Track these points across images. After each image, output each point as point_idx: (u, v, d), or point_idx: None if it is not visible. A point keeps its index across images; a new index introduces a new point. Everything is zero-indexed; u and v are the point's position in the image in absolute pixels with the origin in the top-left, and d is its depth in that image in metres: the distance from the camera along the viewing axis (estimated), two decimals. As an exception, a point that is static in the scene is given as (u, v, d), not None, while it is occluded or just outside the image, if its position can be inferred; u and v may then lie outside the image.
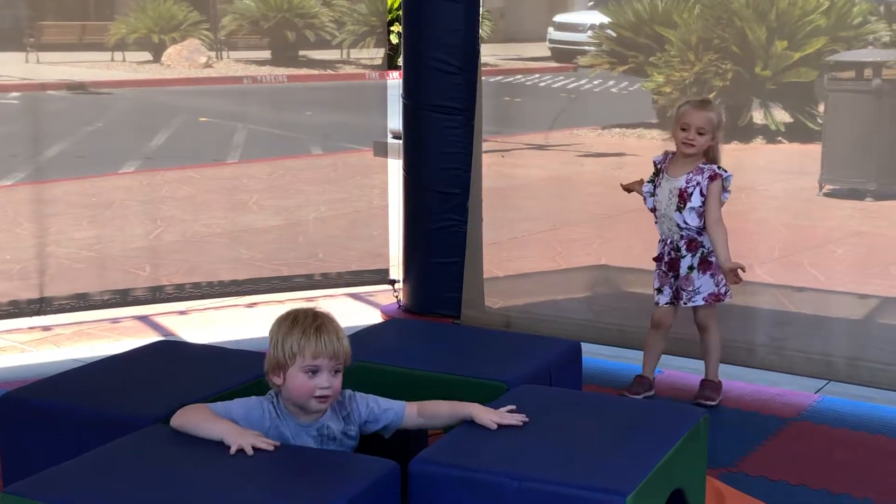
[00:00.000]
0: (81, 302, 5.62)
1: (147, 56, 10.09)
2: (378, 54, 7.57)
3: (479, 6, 5.58)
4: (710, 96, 5.45)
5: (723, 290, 4.47)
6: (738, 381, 4.81)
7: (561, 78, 7.62)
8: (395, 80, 7.04)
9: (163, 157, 7.12)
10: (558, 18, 7.73)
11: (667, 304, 4.51)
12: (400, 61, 5.84)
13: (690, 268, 4.44)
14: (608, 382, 4.71)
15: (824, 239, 5.50)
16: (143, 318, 5.63)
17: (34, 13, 7.53)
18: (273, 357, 2.75)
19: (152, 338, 4.78)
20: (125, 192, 6.90)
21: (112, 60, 9.57)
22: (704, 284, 4.44)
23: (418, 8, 5.59)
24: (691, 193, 4.37)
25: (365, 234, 6.63)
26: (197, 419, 2.71)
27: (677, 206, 4.41)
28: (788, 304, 5.30)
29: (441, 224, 5.65)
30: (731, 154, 5.97)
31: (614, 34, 6.43)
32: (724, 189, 4.44)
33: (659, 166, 4.54)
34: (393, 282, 6.13)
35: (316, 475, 2.55)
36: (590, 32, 6.69)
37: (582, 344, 3.80)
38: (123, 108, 8.68)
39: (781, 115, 5.77)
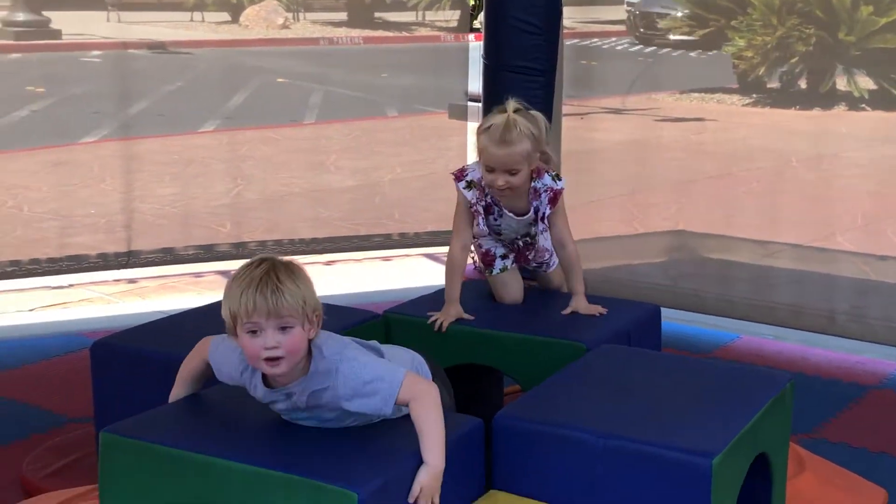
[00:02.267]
0: (166, 256, 5.71)
1: (226, 17, 10.16)
2: (454, 16, 7.54)
3: (562, -33, 5.53)
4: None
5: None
6: (818, 348, 4.75)
7: (638, 41, 7.53)
8: (474, 42, 7.02)
9: (242, 116, 7.17)
10: (638, -18, 7.62)
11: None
12: (477, 23, 5.81)
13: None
14: (686, 347, 4.68)
15: (910, 207, 5.42)
16: (226, 273, 5.69)
17: (116, -27, 7.61)
18: (225, 320, 2.43)
19: (234, 292, 4.84)
20: (206, 150, 6.98)
21: (191, 21, 9.66)
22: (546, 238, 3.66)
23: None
24: (543, 212, 3.55)
25: (441, 196, 6.63)
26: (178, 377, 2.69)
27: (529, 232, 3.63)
28: (871, 272, 5.22)
29: (519, 186, 5.63)
30: (812, 121, 5.88)
31: (695, -3, 6.34)
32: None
33: (482, 203, 3.55)
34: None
35: (398, 433, 2.54)
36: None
37: (661, 309, 3.78)
38: (203, 68, 8.75)
39: (865, 82, 5.65)
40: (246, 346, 2.39)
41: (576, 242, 3.59)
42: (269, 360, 2.37)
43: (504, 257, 3.65)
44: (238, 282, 2.37)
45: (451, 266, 3.52)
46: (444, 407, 2.54)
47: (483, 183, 3.45)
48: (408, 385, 2.45)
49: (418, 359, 2.74)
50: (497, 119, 3.33)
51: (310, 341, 2.43)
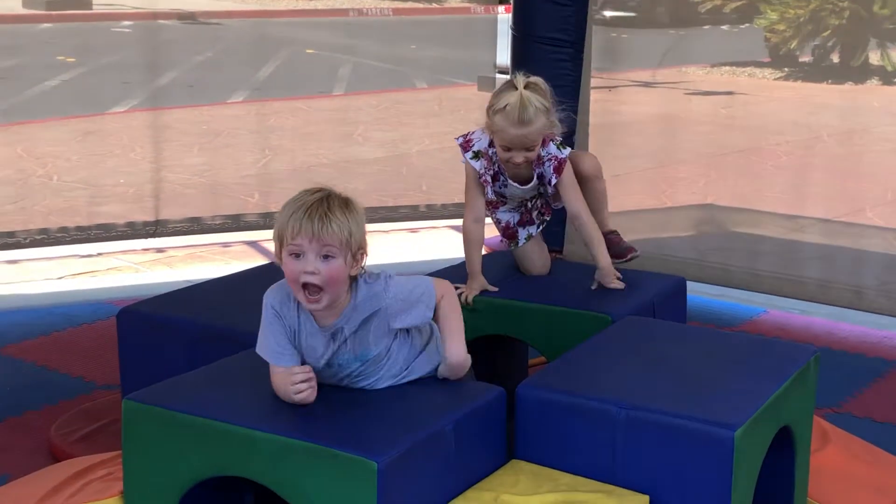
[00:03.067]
0: (194, 226, 5.73)
1: (256, -13, 10.19)
2: (485, -12, 7.51)
3: (592, -62, 5.49)
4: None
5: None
6: (845, 323, 4.72)
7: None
8: (503, 14, 6.98)
9: (271, 87, 7.19)
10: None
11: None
12: (507, -6, 5.79)
13: (528, 238, 3.67)
14: (712, 320, 4.67)
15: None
16: (253, 244, 5.72)
17: (147, -58, 7.63)
18: (274, 241, 2.46)
19: (261, 262, 4.86)
20: (235, 120, 7.00)
21: (222, -9, 9.69)
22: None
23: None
24: (549, 180, 3.47)
25: (468, 168, 6.64)
26: (282, 388, 2.50)
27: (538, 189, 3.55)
28: (902, 248, 5.19)
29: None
30: (844, 95, 5.83)
31: (728, -30, 6.28)
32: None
33: (490, 172, 3.48)
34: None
35: (422, 399, 2.57)
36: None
37: (686, 282, 3.77)
38: (232, 39, 8.78)
39: (899, 56, 5.60)
40: (287, 267, 2.40)
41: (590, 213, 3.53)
42: (308, 288, 2.38)
43: (522, 225, 3.62)
44: (291, 204, 2.40)
45: (469, 239, 3.51)
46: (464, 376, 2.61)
47: (496, 159, 3.42)
48: (437, 286, 2.58)
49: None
50: (511, 98, 3.29)
51: (351, 278, 2.46)
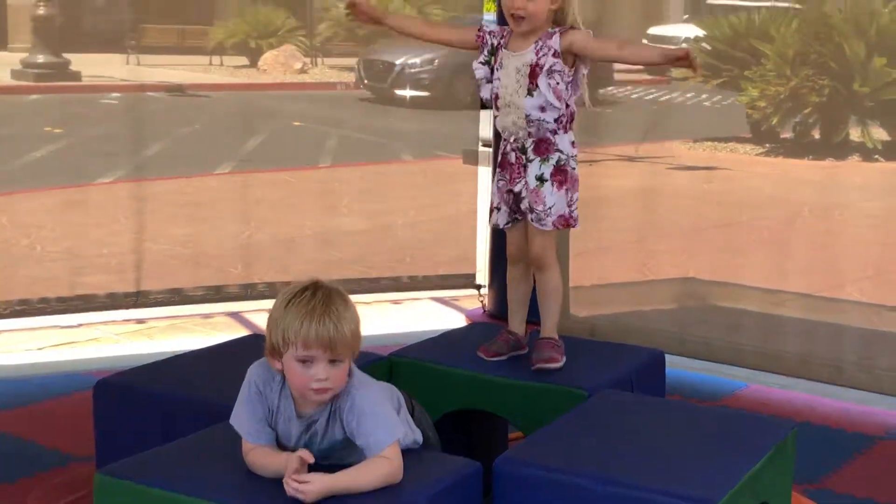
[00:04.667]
0: (176, 296, 5.73)
1: (244, 60, 10.28)
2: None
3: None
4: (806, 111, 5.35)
5: (574, 213, 3.39)
6: (826, 398, 4.72)
7: (653, 90, 7.57)
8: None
9: (257, 159, 7.24)
10: (652, 31, 7.68)
11: (509, 224, 3.45)
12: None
13: (540, 179, 3.34)
14: (692, 394, 4.66)
15: (920, 258, 5.40)
16: (235, 315, 5.71)
17: (136, 16, 7.71)
18: (269, 342, 2.43)
19: (243, 333, 4.85)
20: (220, 191, 7.03)
21: (210, 64, 9.78)
22: (557, 203, 3.33)
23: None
24: (544, 66, 3.25)
25: (452, 240, 6.66)
26: (259, 466, 2.49)
27: (528, 88, 3.28)
28: (880, 322, 5.20)
29: (529, 231, 5.64)
30: (825, 171, 5.90)
31: (709, 47, 6.38)
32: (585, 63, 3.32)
33: (496, 40, 3.37)
34: (479, 286, 6.14)
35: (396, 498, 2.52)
36: (684, 45, 6.64)
37: (667, 356, 3.76)
38: (220, 111, 8.84)
39: (879, 133, 5.67)
40: (294, 374, 2.40)
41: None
42: (318, 390, 2.39)
43: (498, 209, 3.45)
44: (295, 308, 2.37)
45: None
46: (430, 447, 2.60)
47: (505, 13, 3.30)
48: (391, 451, 2.45)
49: (397, 394, 2.74)
50: None
51: None
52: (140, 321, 5.58)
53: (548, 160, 3.32)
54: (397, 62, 10.22)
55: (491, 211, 3.49)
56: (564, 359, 3.41)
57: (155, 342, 5.28)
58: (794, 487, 3.09)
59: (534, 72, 3.26)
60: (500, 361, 3.46)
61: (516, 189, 3.38)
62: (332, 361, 2.38)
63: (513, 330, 3.55)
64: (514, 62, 3.30)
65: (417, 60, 10.19)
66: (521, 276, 3.54)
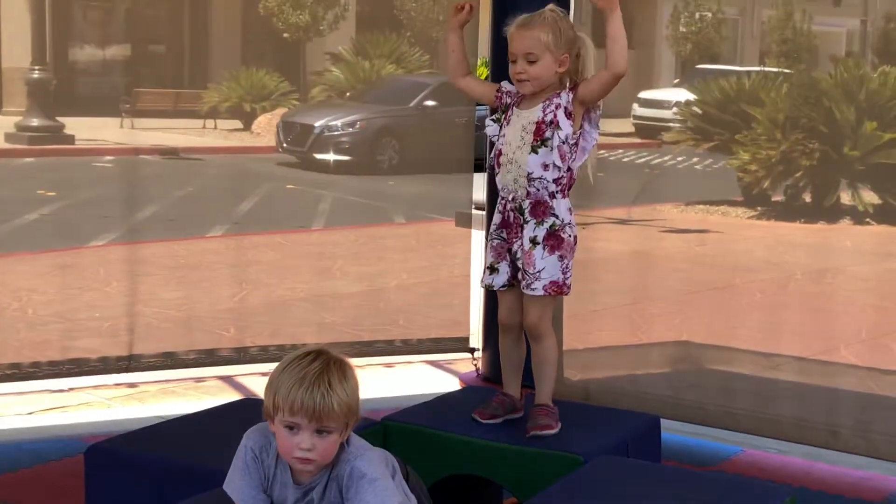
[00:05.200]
0: (168, 360, 5.69)
1: (238, 124, 10.35)
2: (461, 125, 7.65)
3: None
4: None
5: (567, 281, 3.36)
6: (822, 463, 4.69)
7: (644, 154, 7.63)
8: (479, 151, 7.10)
9: (250, 222, 7.25)
10: (643, 95, 7.77)
11: (504, 287, 3.41)
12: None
13: (533, 242, 3.31)
14: (688, 460, 4.63)
15: (913, 322, 5.40)
16: (227, 379, 5.67)
17: (130, 80, 7.76)
18: (265, 400, 2.40)
19: (235, 397, 4.82)
20: (213, 254, 7.03)
21: (204, 128, 9.84)
22: (549, 267, 3.30)
23: (506, 79, 5.64)
24: (551, 122, 3.25)
25: (445, 303, 6.65)
26: None
27: (532, 145, 3.26)
28: (875, 386, 5.19)
29: (522, 294, 5.64)
30: (816, 234, 5.92)
31: (700, 111, 6.44)
32: (593, 123, 3.33)
33: (511, 99, 3.39)
34: (472, 350, 6.11)
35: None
36: (675, 109, 6.73)
37: (661, 420, 3.74)
38: (213, 174, 8.88)
39: (870, 197, 5.70)
40: (281, 440, 2.36)
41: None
42: (301, 459, 2.35)
43: (493, 270, 3.43)
44: (290, 373, 2.34)
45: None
46: None
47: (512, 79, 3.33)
48: None
49: (391, 460, 2.71)
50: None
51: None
52: (132, 385, 5.54)
53: (542, 223, 3.30)
54: (317, 125, 9.61)
55: (484, 270, 3.47)
56: (559, 426, 3.38)
57: (146, 406, 5.24)
58: (792, 555, 3.06)
59: (539, 128, 3.26)
60: (495, 426, 3.44)
61: (514, 248, 3.36)
62: (319, 432, 2.34)
63: (508, 392, 3.52)
64: (522, 120, 3.31)
65: (338, 123, 9.76)
66: (514, 343, 3.51)
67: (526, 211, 3.31)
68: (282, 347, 5.97)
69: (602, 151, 6.91)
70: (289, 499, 2.48)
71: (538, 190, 3.29)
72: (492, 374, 5.75)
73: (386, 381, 5.77)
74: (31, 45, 8.54)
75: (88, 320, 5.87)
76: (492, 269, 3.42)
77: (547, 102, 3.28)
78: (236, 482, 2.50)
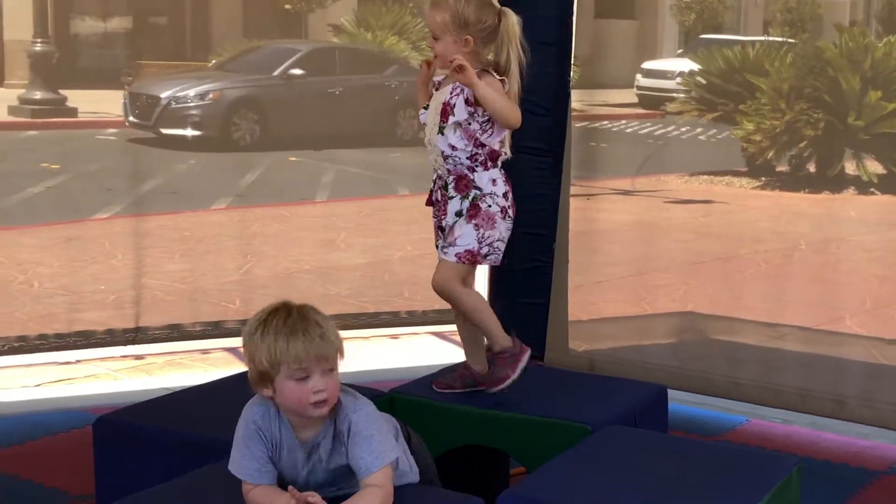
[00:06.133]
0: (174, 332, 5.70)
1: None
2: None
3: (571, 50, 5.59)
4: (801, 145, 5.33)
5: (483, 251, 3.37)
6: (827, 433, 4.69)
7: (648, 124, 7.59)
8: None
9: (254, 194, 7.23)
10: (647, 65, 7.73)
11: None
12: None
13: (458, 213, 3.36)
14: (694, 430, 4.63)
15: (918, 291, 5.39)
16: (233, 350, 5.68)
17: (132, 52, 7.71)
18: (254, 370, 2.44)
19: (241, 368, 4.82)
20: (217, 227, 7.01)
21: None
22: (465, 235, 3.35)
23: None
24: (454, 105, 3.31)
25: (451, 274, 6.64)
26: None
27: (439, 125, 3.33)
28: (880, 356, 5.18)
29: (527, 265, 5.62)
30: (821, 204, 5.89)
31: (704, 81, 6.40)
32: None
33: (438, 83, 3.46)
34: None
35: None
36: (678, 79, 6.69)
37: (667, 390, 3.74)
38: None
39: (874, 166, 5.67)
40: (291, 393, 2.40)
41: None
42: (317, 403, 2.40)
43: (437, 245, 3.49)
44: (275, 333, 2.38)
45: None
46: (429, 478, 2.66)
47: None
48: (383, 476, 2.47)
49: (394, 422, 2.76)
50: None
51: None
52: (138, 357, 5.56)
53: (467, 197, 3.36)
54: (163, 95, 8.33)
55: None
56: (518, 370, 3.38)
57: (153, 378, 5.25)
58: (799, 523, 3.06)
59: (444, 110, 3.33)
60: (508, 396, 3.42)
61: (443, 224, 3.42)
62: (328, 371, 2.41)
63: (470, 366, 3.55)
64: (435, 101, 3.39)
65: (189, 94, 8.55)
66: (463, 318, 3.56)
67: (451, 187, 3.37)
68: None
69: (605, 122, 6.90)
70: (298, 460, 2.50)
71: (455, 166, 3.35)
72: (497, 344, 5.76)
73: (392, 353, 5.78)
74: (33, 18, 8.49)
75: (94, 293, 5.87)
76: (436, 244, 3.47)
77: (455, 84, 3.33)
78: (239, 457, 2.52)
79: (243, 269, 6.30)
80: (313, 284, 6.48)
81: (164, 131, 8.15)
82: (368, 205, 8.12)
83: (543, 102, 5.52)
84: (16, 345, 5.39)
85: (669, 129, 7.34)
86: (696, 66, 6.45)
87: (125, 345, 5.56)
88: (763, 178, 6.38)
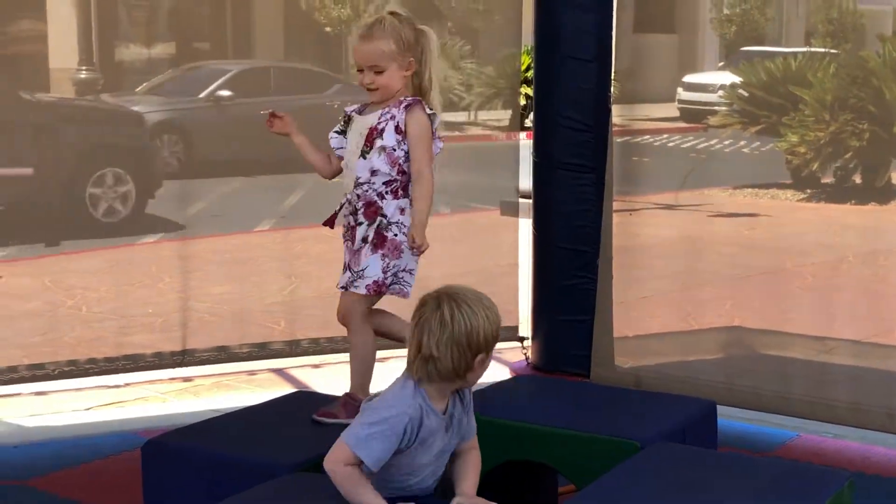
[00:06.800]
0: (221, 354, 5.74)
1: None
2: (506, 115, 7.61)
3: (612, 65, 5.58)
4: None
5: (388, 281, 3.40)
6: (879, 446, 4.63)
7: (690, 138, 7.55)
8: (525, 140, 7.06)
9: (297, 216, 7.25)
10: (688, 79, 7.67)
11: (344, 288, 3.50)
12: (528, 122, 5.87)
13: (364, 240, 3.38)
14: (744, 445, 4.58)
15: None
16: (280, 371, 5.71)
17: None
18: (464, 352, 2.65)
19: (288, 389, 4.84)
20: (261, 249, 7.04)
21: (248, 123, 9.85)
22: (372, 266, 3.37)
23: (550, 67, 5.62)
24: (382, 130, 3.33)
25: (492, 292, 6.57)
26: (349, 486, 2.59)
27: (362, 150, 3.35)
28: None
29: (571, 281, 5.62)
30: (868, 216, 5.82)
31: (746, 94, 6.35)
32: (434, 135, 3.39)
33: (350, 112, 3.49)
34: (522, 339, 6.10)
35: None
36: (720, 92, 6.63)
37: (716, 406, 3.71)
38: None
39: (922, 176, 5.61)
40: (478, 372, 2.71)
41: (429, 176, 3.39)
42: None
43: (344, 268, 3.52)
44: (476, 308, 2.75)
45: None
46: None
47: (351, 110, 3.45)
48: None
49: None
50: (368, 20, 3.37)
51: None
52: (186, 379, 5.60)
53: (373, 224, 3.37)
54: None
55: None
56: (349, 420, 3.16)
57: (201, 400, 5.29)
58: (853, 539, 3.02)
59: (371, 134, 3.35)
60: (555, 413, 3.45)
61: (354, 248, 3.43)
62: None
63: (353, 394, 3.49)
64: (359, 125, 3.40)
65: None
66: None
67: (360, 213, 3.38)
68: (332, 339, 5.98)
69: (647, 137, 6.86)
70: (439, 430, 2.65)
71: (366, 192, 3.36)
72: (542, 362, 5.74)
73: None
74: (78, 46, 8.58)
75: (142, 316, 5.91)
76: (344, 267, 3.49)
77: (385, 111, 3.36)
78: (370, 443, 2.57)
79: (288, 290, 6.32)
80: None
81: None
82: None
83: (584, 118, 5.53)
84: (66, 369, 5.45)
85: (712, 142, 7.29)
86: (737, 79, 6.40)
87: (173, 367, 5.60)
88: (808, 191, 6.32)
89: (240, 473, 3.04)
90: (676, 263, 5.89)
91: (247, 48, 10.86)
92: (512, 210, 7.02)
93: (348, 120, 3.46)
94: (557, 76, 5.56)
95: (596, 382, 5.36)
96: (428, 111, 3.36)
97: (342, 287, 3.46)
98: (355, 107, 3.48)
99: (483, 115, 8.52)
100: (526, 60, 8.16)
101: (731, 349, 5.60)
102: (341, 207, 3.46)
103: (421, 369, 2.61)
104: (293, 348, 5.89)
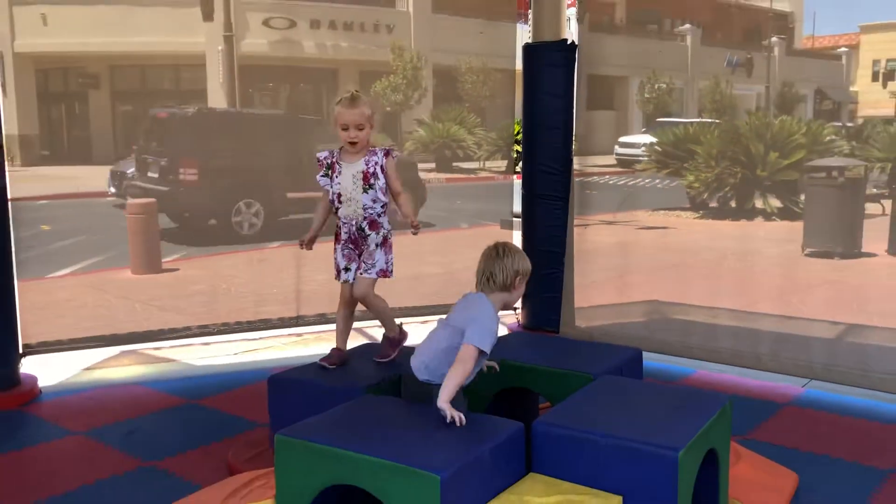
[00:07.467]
0: (321, 318, 5.75)
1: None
2: (504, 164, 7.61)
3: (573, 131, 5.57)
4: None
5: (390, 269, 3.43)
6: (750, 379, 4.59)
7: (623, 178, 7.51)
8: (517, 180, 7.05)
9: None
10: (622, 139, 7.63)
11: (351, 280, 3.44)
12: (519, 168, 5.85)
13: (377, 245, 3.37)
14: (659, 377, 4.56)
15: (806, 284, 5.25)
16: (360, 330, 5.70)
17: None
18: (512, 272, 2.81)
19: (362, 342, 4.83)
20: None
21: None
22: (380, 260, 3.39)
23: (532, 132, 5.61)
24: (373, 173, 3.27)
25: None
26: (472, 364, 2.67)
27: (363, 187, 3.29)
28: (783, 326, 5.05)
29: (547, 271, 5.61)
30: (740, 228, 5.78)
31: (660, 149, 6.32)
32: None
33: (329, 160, 3.33)
34: (515, 308, 6.08)
35: (460, 433, 2.52)
36: (643, 148, 6.59)
37: (642, 352, 3.69)
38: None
39: (775, 202, 5.58)
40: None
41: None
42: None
43: (347, 270, 3.44)
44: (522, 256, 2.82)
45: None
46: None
47: (341, 138, 3.27)
48: (470, 350, 2.74)
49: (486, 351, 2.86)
50: (346, 94, 3.25)
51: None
52: (299, 335, 5.61)
53: (378, 233, 3.35)
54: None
55: (338, 272, 3.45)
56: (396, 352, 3.45)
57: (308, 348, 5.31)
58: (731, 439, 2.99)
59: (366, 176, 3.28)
60: (535, 355, 3.40)
61: (362, 252, 3.38)
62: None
63: (339, 347, 3.50)
64: (351, 170, 3.29)
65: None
66: (349, 314, 3.56)
67: (366, 227, 3.33)
68: (392, 309, 5.96)
69: (595, 177, 6.83)
70: None
71: (370, 214, 3.32)
72: (529, 323, 5.72)
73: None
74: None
75: (271, 294, 5.94)
76: (346, 269, 3.43)
77: (368, 158, 3.28)
78: (488, 334, 2.73)
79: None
80: (408, 287, 6.49)
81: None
82: (441, 235, 8.13)
83: (555, 166, 5.51)
84: (222, 328, 5.48)
85: (638, 180, 7.26)
86: (654, 139, 6.37)
87: (290, 327, 5.62)
88: (701, 212, 6.28)
89: (331, 395, 3.06)
90: (615, 260, 5.87)
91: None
92: (508, 225, 7.00)
93: (329, 166, 3.32)
94: (537, 138, 5.55)
95: (563, 336, 5.35)
96: (395, 152, 3.33)
97: (348, 280, 3.43)
98: (326, 153, 3.34)
99: (489, 164, 8.51)
100: (517, 128, 8.15)
101: (651, 315, 5.58)
102: (344, 227, 3.36)
103: (486, 286, 2.80)
104: (367, 314, 5.88)
